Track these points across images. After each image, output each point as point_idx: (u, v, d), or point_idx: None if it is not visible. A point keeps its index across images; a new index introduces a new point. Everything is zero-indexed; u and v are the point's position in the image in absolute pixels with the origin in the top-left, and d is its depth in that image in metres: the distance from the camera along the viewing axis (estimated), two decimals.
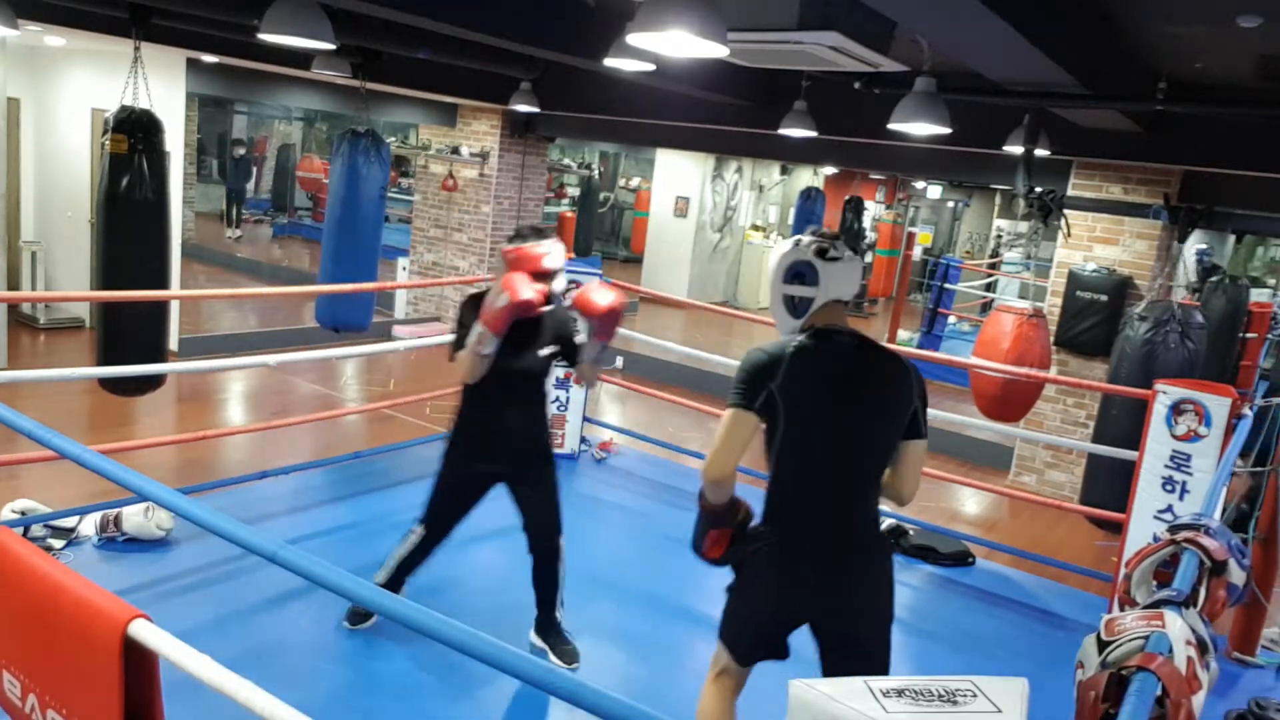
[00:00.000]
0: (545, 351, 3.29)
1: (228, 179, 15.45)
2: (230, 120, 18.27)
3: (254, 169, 16.86)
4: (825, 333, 2.25)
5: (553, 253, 3.17)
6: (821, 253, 2.29)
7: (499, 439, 3.30)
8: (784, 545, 2.24)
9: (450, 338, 3.33)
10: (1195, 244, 8.98)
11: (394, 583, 3.39)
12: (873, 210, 14.63)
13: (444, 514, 3.39)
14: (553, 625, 3.46)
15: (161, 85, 5.90)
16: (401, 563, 3.40)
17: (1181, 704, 1.28)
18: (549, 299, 3.17)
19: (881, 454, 2.28)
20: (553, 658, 3.42)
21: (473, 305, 3.19)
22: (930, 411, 2.43)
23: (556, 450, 5.75)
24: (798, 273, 2.29)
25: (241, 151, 15.83)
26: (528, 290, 2.99)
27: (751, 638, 2.37)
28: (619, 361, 8.12)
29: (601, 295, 3.16)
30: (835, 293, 2.29)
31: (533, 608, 3.49)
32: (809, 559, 2.22)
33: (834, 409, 2.23)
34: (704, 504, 2.28)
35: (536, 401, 3.40)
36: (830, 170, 13.06)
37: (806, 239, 2.31)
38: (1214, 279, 7.30)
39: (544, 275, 3.13)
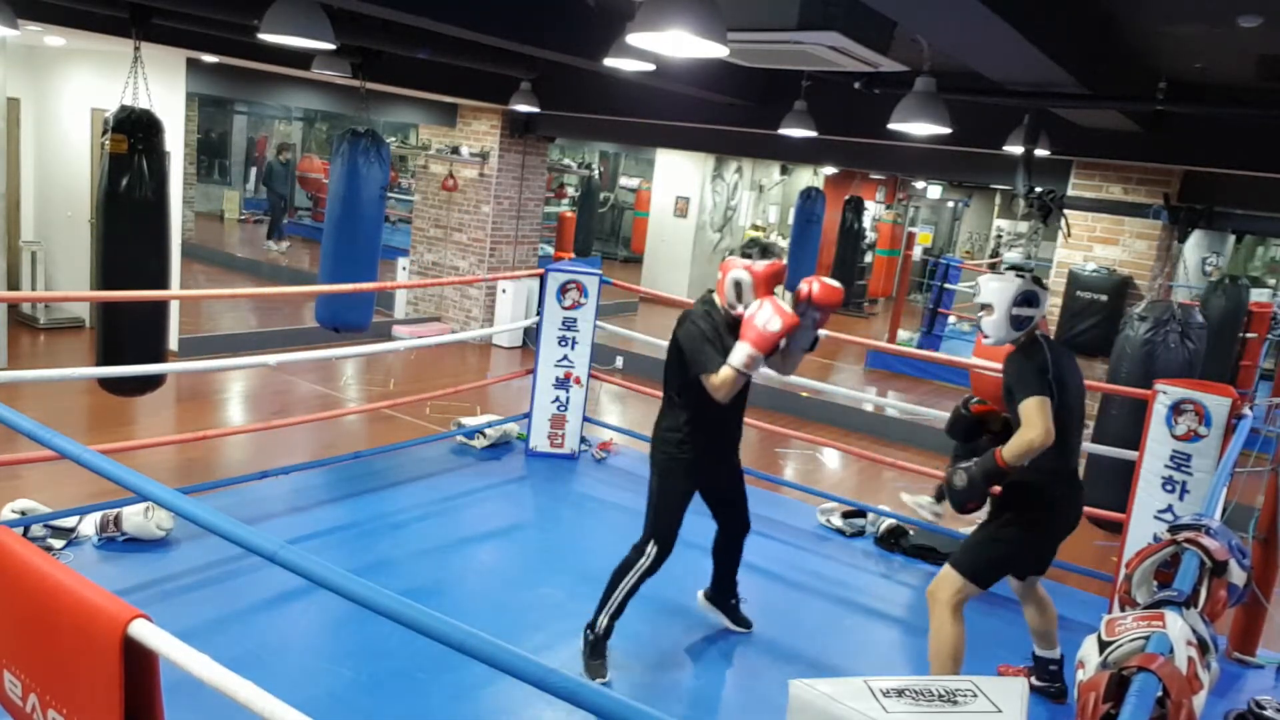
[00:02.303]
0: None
1: (272, 184, 14.68)
2: (230, 120, 18.28)
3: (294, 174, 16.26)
4: (1048, 339, 3.17)
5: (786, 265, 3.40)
6: (1038, 281, 3.16)
7: (726, 450, 3.54)
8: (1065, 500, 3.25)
9: (448, 338, 3.35)
10: (1199, 251, 8.99)
11: (617, 616, 3.42)
12: (873, 210, 14.63)
13: (674, 526, 3.42)
14: (732, 592, 3.84)
15: (161, 85, 5.91)
16: (634, 585, 3.41)
17: (1182, 704, 1.28)
18: None
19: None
20: (726, 622, 3.85)
21: (711, 326, 3.25)
22: (930, 411, 2.50)
23: (556, 450, 5.85)
24: (1027, 298, 3.09)
25: (288, 156, 15.44)
26: (791, 314, 3.14)
27: (1038, 562, 3.42)
28: (619, 361, 8.12)
29: (831, 284, 3.35)
30: (1043, 312, 3.21)
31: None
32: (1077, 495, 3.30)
33: (1078, 396, 3.20)
34: (1001, 466, 3.00)
35: (741, 418, 3.57)
36: (830, 170, 13.07)
37: (1019, 268, 3.19)
38: (1213, 280, 7.31)
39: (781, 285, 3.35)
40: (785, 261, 3.32)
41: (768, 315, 3.11)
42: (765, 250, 3.27)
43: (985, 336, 3.19)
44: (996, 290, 3.12)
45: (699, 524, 3.84)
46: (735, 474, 3.67)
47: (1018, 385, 3.02)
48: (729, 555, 3.78)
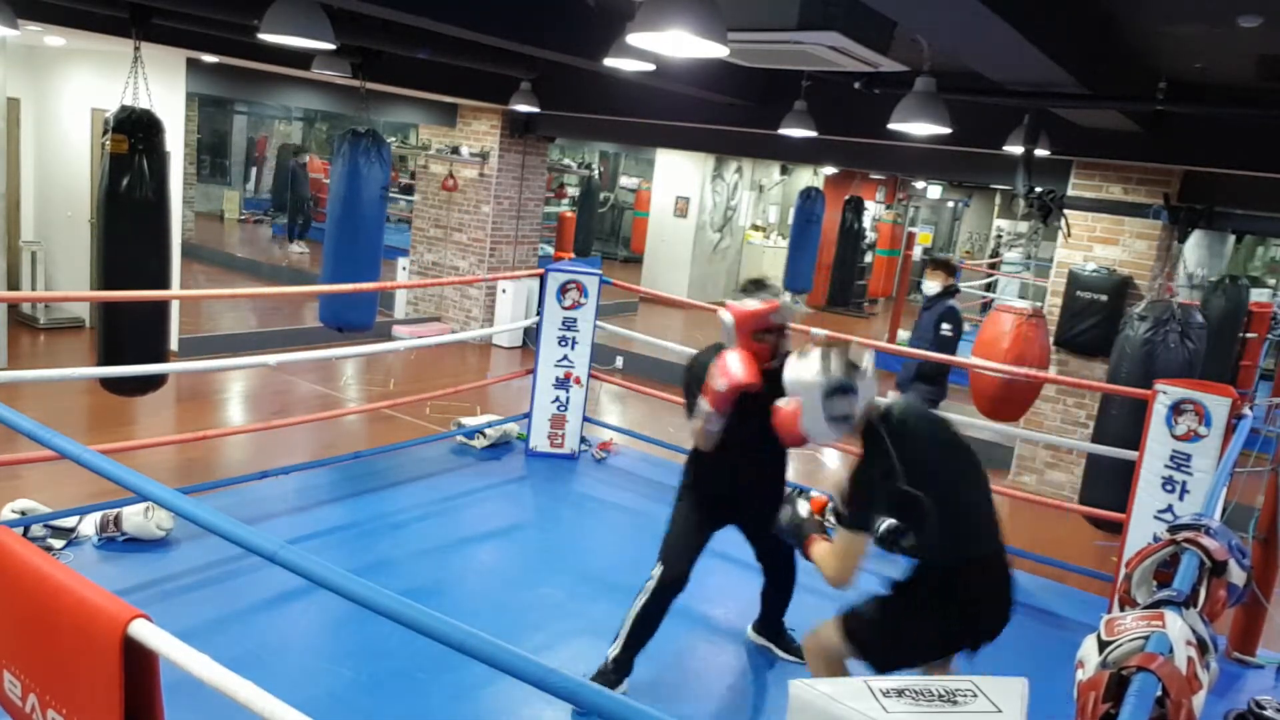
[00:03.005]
0: None
1: (294, 188, 14.61)
2: (230, 120, 18.28)
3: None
4: (890, 417, 2.59)
5: (779, 307, 3.09)
6: (852, 368, 2.55)
7: (738, 498, 3.35)
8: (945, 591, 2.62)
9: (448, 338, 3.32)
10: (1197, 253, 8.98)
11: (632, 647, 3.27)
12: (873, 210, 14.63)
13: (689, 552, 3.29)
14: (780, 628, 3.72)
15: (161, 85, 5.90)
16: (643, 610, 3.26)
17: (1182, 704, 1.28)
18: (774, 354, 3.08)
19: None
20: (778, 651, 3.72)
21: (696, 371, 3.15)
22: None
23: (556, 450, 5.85)
24: (838, 392, 2.51)
25: (305, 159, 15.37)
26: (742, 371, 2.96)
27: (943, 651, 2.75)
28: (619, 361, 8.12)
29: (728, 375, 3.00)
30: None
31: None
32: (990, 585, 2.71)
33: (961, 462, 2.68)
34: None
35: (773, 463, 3.36)
36: (830, 170, 13.07)
37: (830, 365, 2.51)
38: (1213, 279, 7.31)
39: (769, 330, 3.08)
40: (779, 302, 3.08)
41: (721, 369, 2.98)
42: (758, 287, 3.09)
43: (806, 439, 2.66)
44: (795, 384, 2.55)
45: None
46: (763, 523, 3.26)
47: (846, 500, 2.50)
48: (773, 601, 3.68)
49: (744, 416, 3.08)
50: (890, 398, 2.67)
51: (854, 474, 2.48)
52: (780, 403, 2.70)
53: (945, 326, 5.50)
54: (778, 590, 3.61)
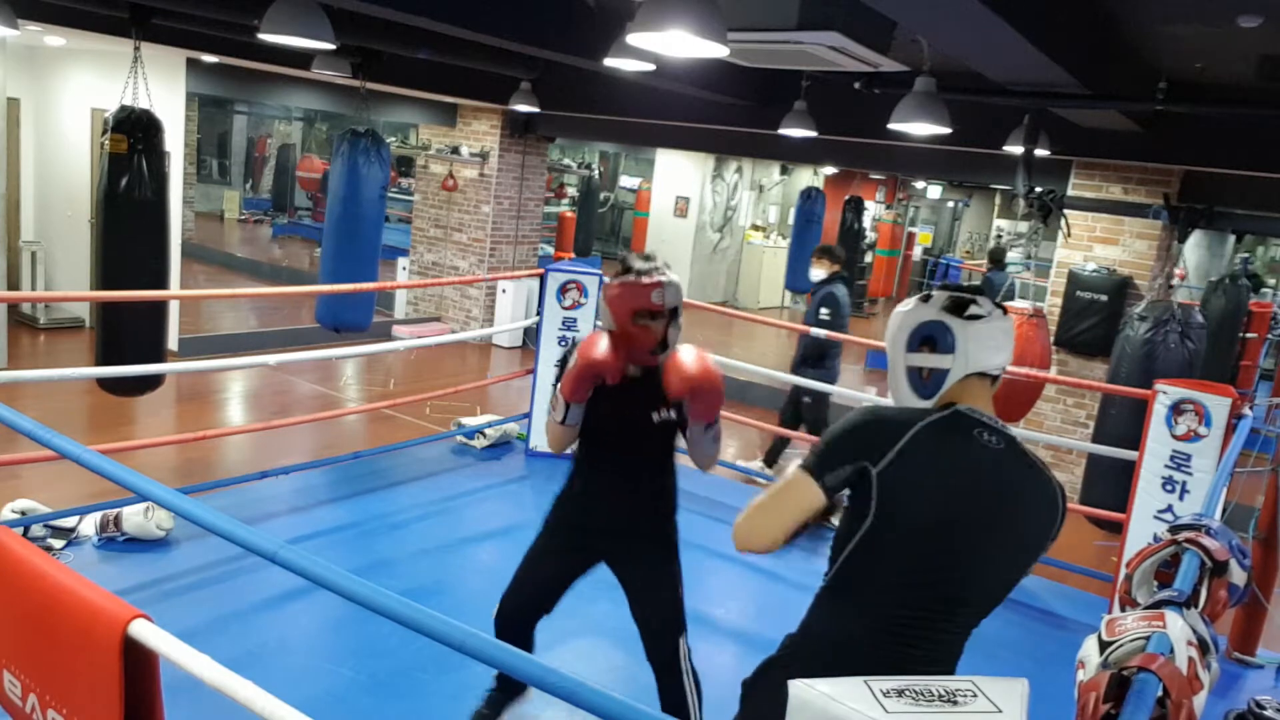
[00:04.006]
0: (659, 417, 2.59)
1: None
2: (230, 120, 18.28)
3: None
4: (968, 418, 1.68)
5: (663, 285, 2.48)
6: (958, 309, 1.73)
7: (595, 517, 2.70)
8: (835, 663, 1.57)
9: (448, 338, 3.21)
10: (1198, 253, 9.00)
11: (504, 694, 2.93)
12: (873, 210, 14.63)
13: (527, 579, 2.77)
14: None
15: (161, 85, 5.91)
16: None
17: (1183, 704, 1.28)
18: (663, 345, 2.50)
19: (996, 596, 1.72)
20: None
21: (568, 357, 2.62)
22: None
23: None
24: (926, 336, 1.73)
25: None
26: (601, 351, 2.45)
27: None
28: None
29: (686, 363, 2.44)
30: (981, 362, 1.71)
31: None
32: None
33: (958, 526, 1.63)
34: None
35: (647, 476, 2.69)
36: (830, 170, 13.07)
37: (937, 293, 1.79)
38: (1213, 279, 7.31)
39: (652, 314, 2.48)
40: (660, 281, 2.47)
41: (580, 349, 2.49)
42: (644, 261, 2.52)
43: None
44: (891, 325, 1.84)
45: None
46: (636, 566, 2.69)
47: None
48: (661, 701, 2.70)
49: (618, 415, 2.56)
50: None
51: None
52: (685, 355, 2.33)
53: (824, 311, 5.79)
54: (660, 674, 2.69)
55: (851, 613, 1.68)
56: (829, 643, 1.70)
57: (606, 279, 2.63)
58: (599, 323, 2.64)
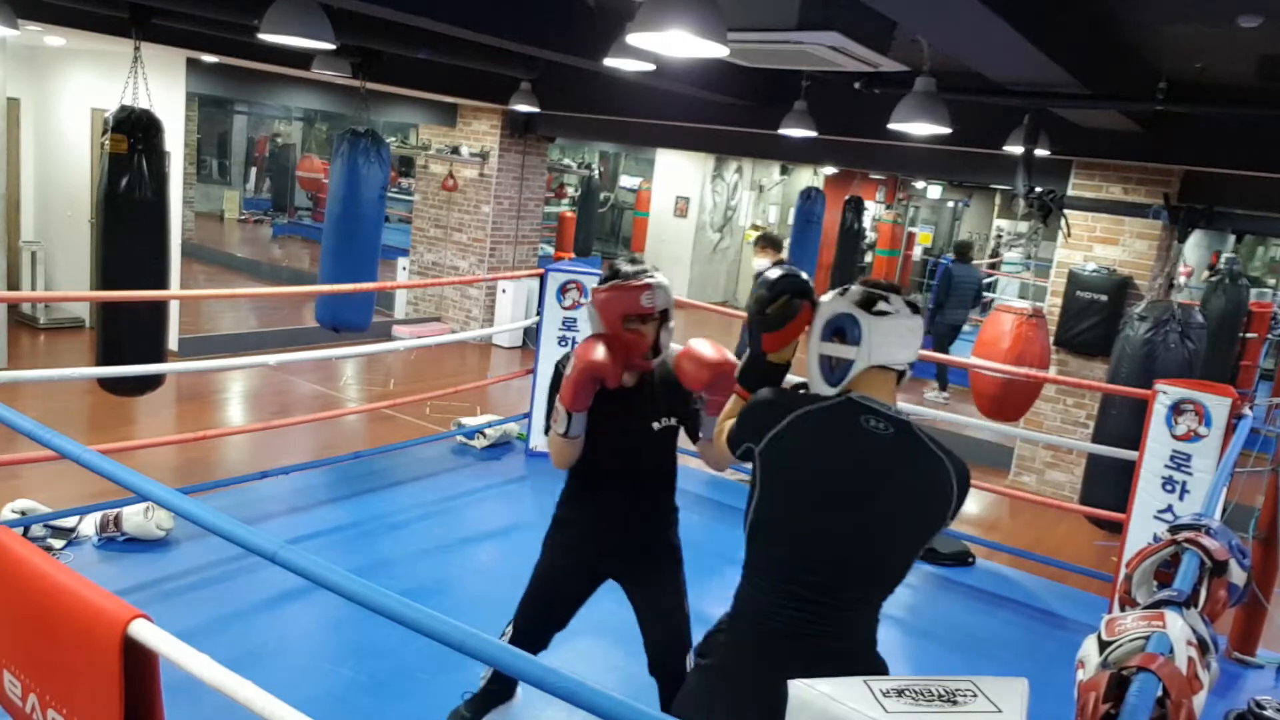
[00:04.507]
0: (659, 425, 2.53)
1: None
2: (230, 120, 18.29)
3: None
4: (857, 405, 1.79)
5: (652, 287, 2.42)
6: (867, 304, 1.82)
7: (599, 530, 2.64)
8: (731, 654, 1.86)
9: (448, 338, 3.17)
10: (1198, 252, 8.98)
11: (486, 701, 2.89)
12: (873, 210, 14.63)
13: (539, 609, 2.74)
14: None
15: (161, 85, 5.91)
16: (494, 670, 2.80)
17: (1182, 704, 1.28)
18: (655, 350, 2.47)
19: (882, 578, 1.82)
20: None
21: (562, 368, 2.52)
22: (930, 411, 2.25)
23: None
24: (837, 328, 1.82)
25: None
26: (598, 354, 2.35)
27: None
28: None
29: (703, 352, 2.34)
30: (882, 356, 1.80)
31: None
32: (749, 681, 1.79)
33: (829, 507, 1.75)
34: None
35: (648, 487, 2.63)
36: (830, 170, 13.07)
37: (854, 287, 1.87)
38: (1213, 279, 7.31)
39: (643, 318, 2.42)
40: (649, 283, 2.41)
41: (576, 353, 2.39)
42: (632, 264, 2.47)
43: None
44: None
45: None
46: (637, 585, 2.67)
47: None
48: (660, 686, 2.68)
49: (615, 424, 2.49)
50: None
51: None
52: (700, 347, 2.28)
53: None
54: (665, 685, 2.65)
55: (757, 588, 1.83)
56: (743, 619, 1.85)
57: (594, 284, 2.59)
58: (589, 330, 2.58)
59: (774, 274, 2.03)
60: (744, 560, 1.87)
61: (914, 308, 1.84)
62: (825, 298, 1.91)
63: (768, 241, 6.04)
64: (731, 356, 2.37)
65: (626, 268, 2.46)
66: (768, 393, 1.89)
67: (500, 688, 2.92)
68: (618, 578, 2.69)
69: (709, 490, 5.31)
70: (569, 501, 2.69)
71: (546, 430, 2.52)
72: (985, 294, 13.22)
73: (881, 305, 1.81)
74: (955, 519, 1.85)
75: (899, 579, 1.83)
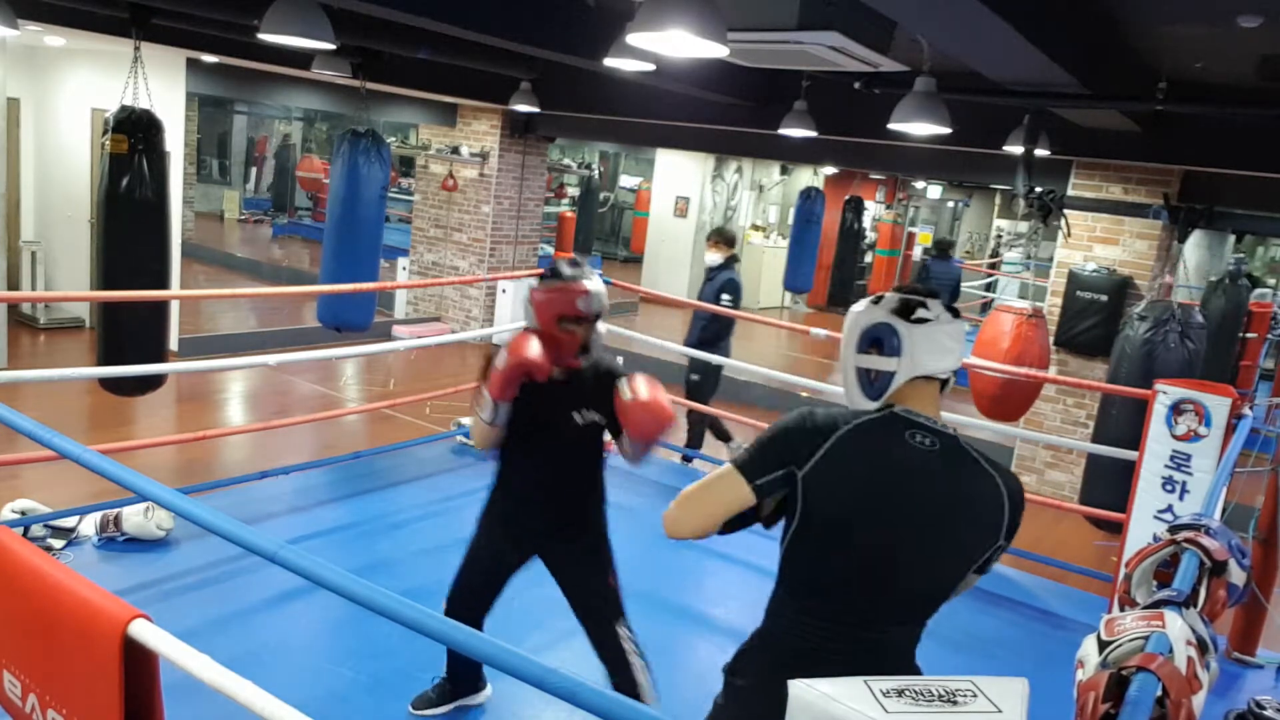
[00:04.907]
0: (583, 419, 2.68)
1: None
2: (230, 120, 18.29)
3: None
4: (901, 419, 1.69)
5: (589, 292, 2.60)
6: (905, 311, 1.72)
7: (522, 515, 2.81)
8: (763, 686, 1.67)
9: (448, 338, 3.21)
10: (1199, 252, 8.99)
11: (455, 685, 3.06)
12: (873, 210, 14.63)
13: (467, 580, 2.89)
14: None
15: (161, 85, 5.91)
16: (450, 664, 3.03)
17: (1182, 704, 1.28)
18: (584, 348, 2.67)
19: (931, 598, 1.74)
20: None
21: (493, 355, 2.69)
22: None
23: None
24: (874, 338, 1.72)
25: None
26: (530, 351, 2.52)
27: None
28: (619, 361, 8.11)
29: (659, 416, 2.50)
30: (925, 366, 1.71)
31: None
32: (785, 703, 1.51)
33: (877, 527, 1.65)
34: None
35: (570, 475, 2.79)
36: (830, 170, 13.07)
37: (889, 294, 1.78)
38: (1213, 279, 7.31)
39: (577, 319, 2.61)
40: (586, 289, 2.59)
41: (509, 346, 2.55)
42: (572, 266, 2.66)
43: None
44: (845, 326, 1.84)
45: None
46: (566, 564, 2.80)
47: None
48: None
49: (542, 417, 2.66)
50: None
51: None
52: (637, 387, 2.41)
53: (725, 297, 5.91)
54: (610, 669, 2.77)
55: (795, 608, 1.72)
56: (779, 638, 1.74)
57: (535, 283, 2.75)
58: (524, 324, 2.75)
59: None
60: (779, 577, 1.77)
61: (955, 312, 1.75)
62: (858, 306, 1.81)
63: (721, 237, 6.12)
64: (671, 410, 2.54)
65: (567, 270, 2.63)
66: (800, 413, 1.72)
67: (465, 676, 3.04)
68: (542, 556, 2.82)
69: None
70: (494, 483, 2.84)
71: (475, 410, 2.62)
72: (988, 293, 13.24)
73: (921, 312, 1.71)
74: (1012, 540, 1.74)
75: (945, 599, 1.74)
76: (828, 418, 1.69)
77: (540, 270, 5.85)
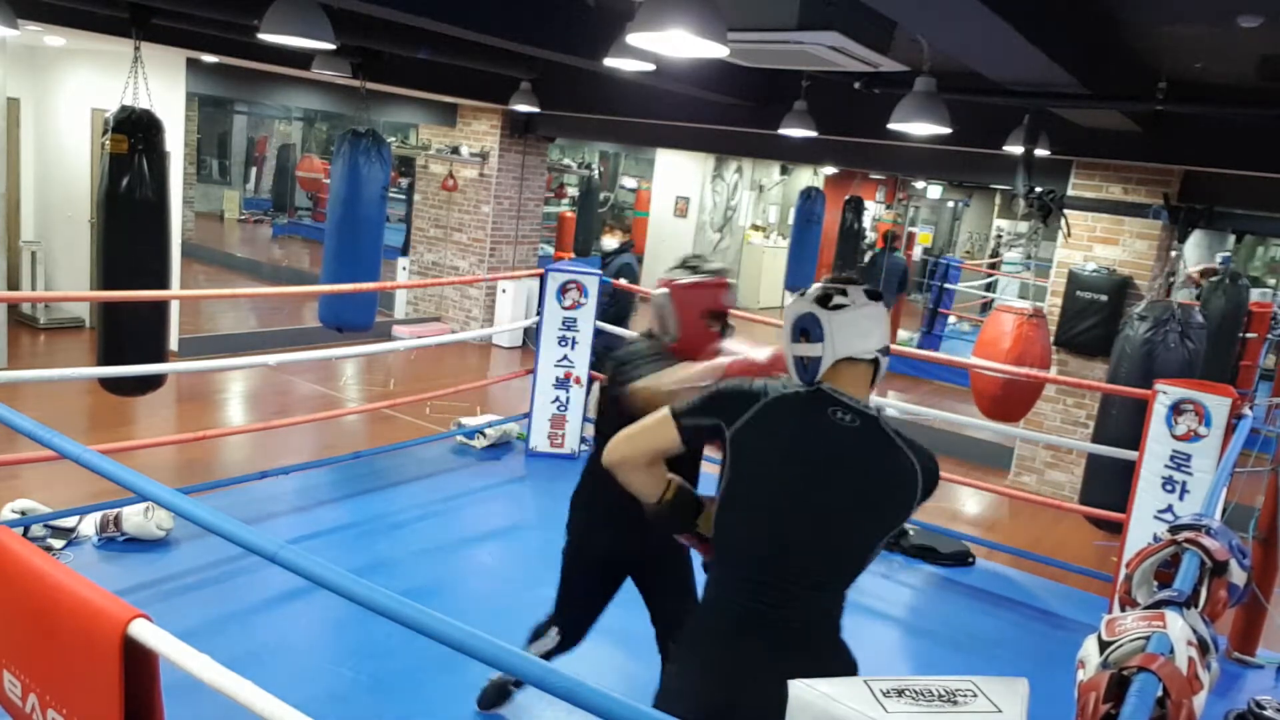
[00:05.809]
0: None
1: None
2: (230, 120, 18.28)
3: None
4: (826, 396, 1.84)
5: (731, 286, 2.52)
6: (824, 300, 1.85)
7: (629, 537, 2.54)
8: (693, 652, 1.93)
9: (448, 338, 3.07)
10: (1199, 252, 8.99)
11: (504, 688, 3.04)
12: (873, 210, 14.62)
13: (575, 606, 2.81)
14: None
15: (161, 85, 5.90)
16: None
17: (1183, 704, 1.28)
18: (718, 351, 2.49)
19: (846, 561, 1.86)
20: None
21: (650, 348, 2.50)
22: (930, 411, 2.26)
23: (556, 450, 5.84)
24: (802, 328, 1.87)
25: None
26: (763, 357, 2.28)
27: None
28: None
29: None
30: (846, 349, 1.83)
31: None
32: (716, 662, 1.86)
33: (797, 491, 1.80)
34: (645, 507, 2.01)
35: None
36: (830, 170, 13.06)
37: (813, 286, 1.92)
38: (1214, 279, 7.30)
39: (722, 315, 2.49)
40: (728, 282, 2.51)
41: (705, 370, 2.25)
42: (692, 267, 2.52)
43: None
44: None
45: None
46: (656, 573, 2.72)
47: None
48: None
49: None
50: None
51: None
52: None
53: (623, 281, 6.28)
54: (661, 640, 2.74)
55: (724, 570, 1.90)
56: (711, 601, 1.92)
57: (667, 278, 2.57)
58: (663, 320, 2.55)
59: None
60: (714, 549, 1.94)
61: (873, 295, 1.88)
62: (791, 300, 1.98)
63: (617, 223, 6.33)
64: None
65: (705, 265, 2.52)
66: (739, 380, 1.95)
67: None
68: (638, 572, 2.74)
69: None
70: (595, 503, 2.68)
71: (631, 380, 2.35)
72: (988, 293, 13.24)
73: (838, 299, 1.86)
74: (920, 509, 1.91)
75: (862, 566, 1.89)
76: (760, 386, 1.88)
77: (540, 270, 5.87)
